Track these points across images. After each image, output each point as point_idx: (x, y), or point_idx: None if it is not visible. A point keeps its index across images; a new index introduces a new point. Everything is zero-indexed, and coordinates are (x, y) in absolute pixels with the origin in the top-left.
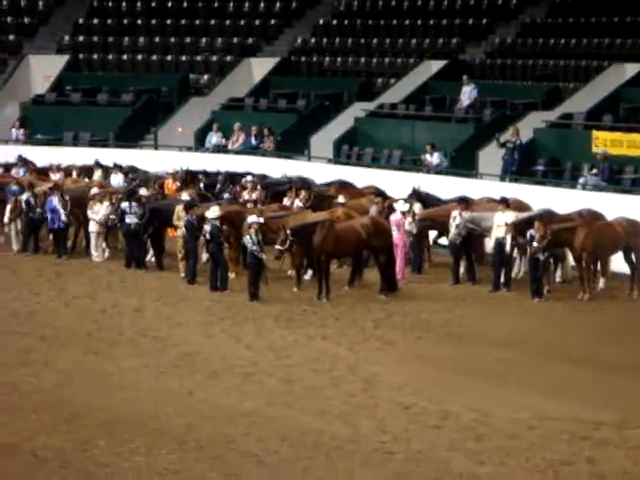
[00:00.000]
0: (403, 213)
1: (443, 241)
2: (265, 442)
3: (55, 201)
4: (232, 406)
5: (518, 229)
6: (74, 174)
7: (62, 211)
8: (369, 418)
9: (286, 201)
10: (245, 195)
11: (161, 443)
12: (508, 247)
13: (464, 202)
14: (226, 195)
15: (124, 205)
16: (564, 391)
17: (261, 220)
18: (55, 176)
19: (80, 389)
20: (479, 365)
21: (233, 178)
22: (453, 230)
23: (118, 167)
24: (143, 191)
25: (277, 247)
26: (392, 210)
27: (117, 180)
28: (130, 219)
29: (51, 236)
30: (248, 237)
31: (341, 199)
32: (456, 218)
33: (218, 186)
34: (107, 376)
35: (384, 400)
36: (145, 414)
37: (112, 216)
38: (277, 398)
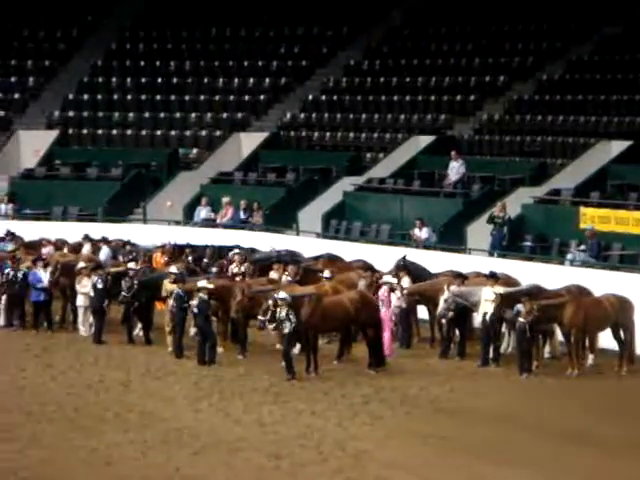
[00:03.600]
0: (390, 287)
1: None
2: None
3: (39, 274)
4: None
5: (506, 302)
6: (65, 249)
7: (45, 280)
8: None
9: (274, 275)
10: (233, 269)
11: None
12: (494, 318)
13: (460, 277)
14: (214, 269)
15: (94, 280)
16: (554, 468)
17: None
18: (45, 250)
19: (65, 465)
20: (468, 442)
21: (220, 252)
22: (442, 304)
23: (105, 241)
24: (132, 265)
25: (260, 318)
26: (380, 285)
27: (104, 254)
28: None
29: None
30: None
31: (327, 273)
32: (445, 292)
33: (205, 260)
34: (93, 452)
35: (372, 476)
36: None
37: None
38: (265, 474)
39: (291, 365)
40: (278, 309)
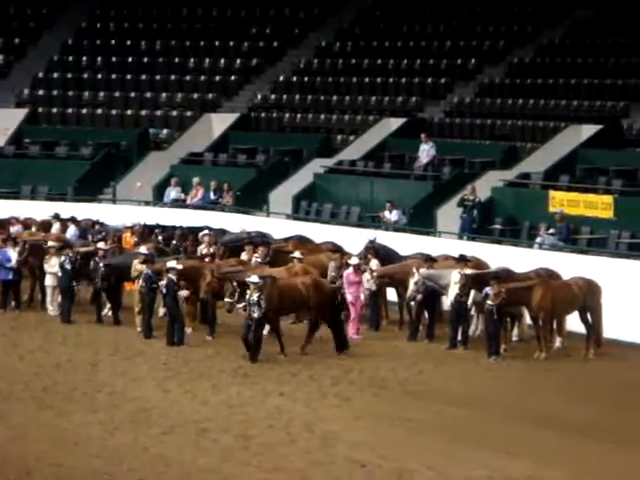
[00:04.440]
0: (356, 268)
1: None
2: None
3: (8, 253)
4: (187, 462)
5: (473, 284)
6: (33, 228)
7: (14, 259)
8: (325, 475)
9: (244, 256)
10: (203, 249)
11: None
12: (460, 299)
13: (430, 260)
14: (181, 249)
15: (62, 259)
16: (520, 450)
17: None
18: (13, 229)
19: (34, 444)
20: (436, 423)
21: (189, 233)
22: (411, 287)
23: (73, 220)
24: (101, 245)
25: (227, 300)
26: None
27: (71, 233)
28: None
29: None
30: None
31: (297, 254)
32: (414, 275)
33: (173, 242)
34: (61, 431)
35: (340, 457)
36: (99, 470)
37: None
38: (233, 455)
39: (257, 351)
40: (249, 292)
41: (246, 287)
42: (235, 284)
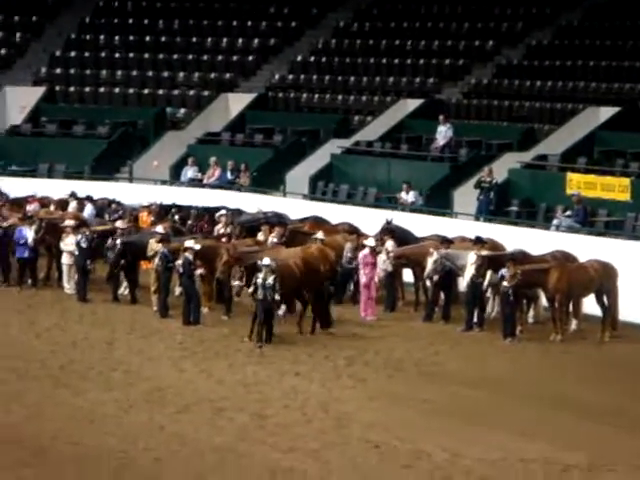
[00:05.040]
0: (372, 249)
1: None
2: (235, 478)
3: (24, 231)
4: (202, 441)
5: (489, 265)
6: (51, 207)
7: (30, 237)
8: (340, 456)
9: (260, 236)
10: (220, 229)
11: (130, 478)
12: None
13: (446, 242)
14: (196, 229)
15: (78, 238)
16: (535, 432)
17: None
18: (30, 207)
19: (49, 423)
20: (451, 405)
21: (204, 212)
22: (430, 266)
23: (90, 199)
24: (119, 223)
25: (235, 283)
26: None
27: (88, 212)
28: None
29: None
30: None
31: (320, 235)
32: (433, 254)
33: (189, 222)
34: (77, 410)
35: (355, 438)
36: (114, 448)
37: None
38: (248, 434)
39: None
40: (262, 276)
41: (255, 270)
42: (243, 268)
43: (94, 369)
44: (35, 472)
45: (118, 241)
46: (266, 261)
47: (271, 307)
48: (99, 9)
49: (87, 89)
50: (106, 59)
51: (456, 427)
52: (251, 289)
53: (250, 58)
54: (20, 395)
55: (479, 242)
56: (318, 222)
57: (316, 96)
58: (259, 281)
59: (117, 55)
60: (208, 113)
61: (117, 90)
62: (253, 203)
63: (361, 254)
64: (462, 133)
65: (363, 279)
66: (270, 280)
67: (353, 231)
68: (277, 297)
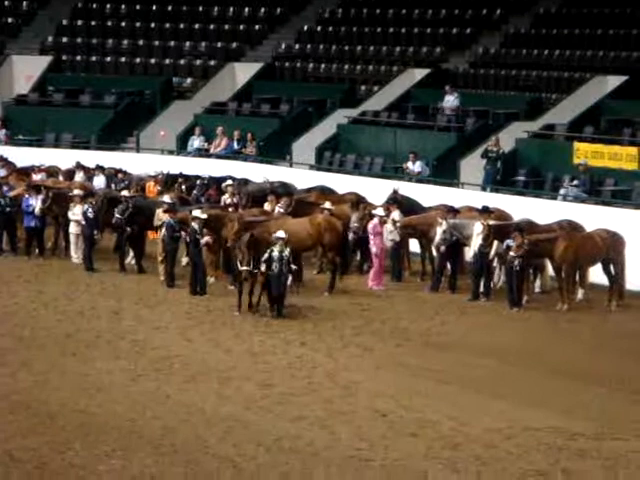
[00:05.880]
0: (381, 219)
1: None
2: (242, 447)
3: (31, 200)
4: (209, 410)
5: (495, 234)
6: (60, 177)
7: (37, 207)
8: (346, 425)
9: (267, 206)
10: (226, 199)
11: (137, 446)
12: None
13: (453, 212)
14: (203, 199)
15: (85, 208)
16: (542, 401)
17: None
18: (37, 177)
19: (57, 391)
20: (458, 374)
21: (210, 182)
22: (439, 235)
23: (101, 169)
24: (125, 192)
25: (243, 268)
26: (372, 217)
27: (99, 182)
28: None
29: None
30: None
31: (328, 205)
32: (442, 224)
33: (194, 192)
34: (84, 378)
35: (362, 407)
36: (122, 417)
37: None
38: (254, 403)
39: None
40: (277, 249)
41: (257, 246)
42: (248, 252)
43: (101, 338)
44: (45, 440)
45: (129, 204)
46: (280, 234)
47: (286, 281)
48: None
49: (94, 58)
50: (113, 28)
51: (462, 396)
52: (263, 266)
53: (257, 27)
54: (27, 363)
55: (486, 211)
56: (324, 192)
57: (322, 66)
58: (275, 254)
59: (123, 24)
60: (215, 83)
61: (124, 59)
62: (260, 173)
63: (371, 224)
64: (469, 103)
65: (374, 249)
66: (286, 252)
67: (360, 201)
68: (294, 267)
